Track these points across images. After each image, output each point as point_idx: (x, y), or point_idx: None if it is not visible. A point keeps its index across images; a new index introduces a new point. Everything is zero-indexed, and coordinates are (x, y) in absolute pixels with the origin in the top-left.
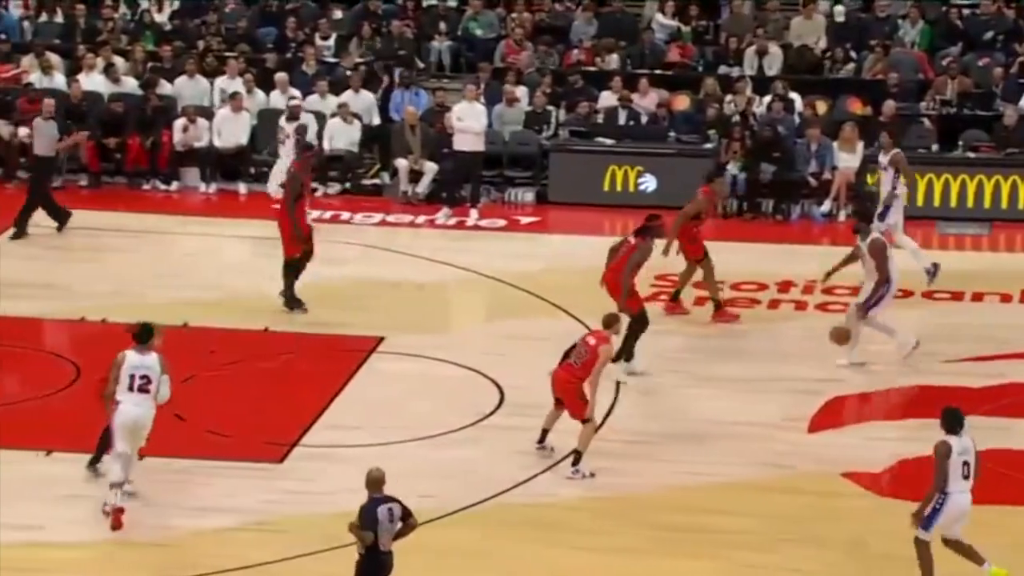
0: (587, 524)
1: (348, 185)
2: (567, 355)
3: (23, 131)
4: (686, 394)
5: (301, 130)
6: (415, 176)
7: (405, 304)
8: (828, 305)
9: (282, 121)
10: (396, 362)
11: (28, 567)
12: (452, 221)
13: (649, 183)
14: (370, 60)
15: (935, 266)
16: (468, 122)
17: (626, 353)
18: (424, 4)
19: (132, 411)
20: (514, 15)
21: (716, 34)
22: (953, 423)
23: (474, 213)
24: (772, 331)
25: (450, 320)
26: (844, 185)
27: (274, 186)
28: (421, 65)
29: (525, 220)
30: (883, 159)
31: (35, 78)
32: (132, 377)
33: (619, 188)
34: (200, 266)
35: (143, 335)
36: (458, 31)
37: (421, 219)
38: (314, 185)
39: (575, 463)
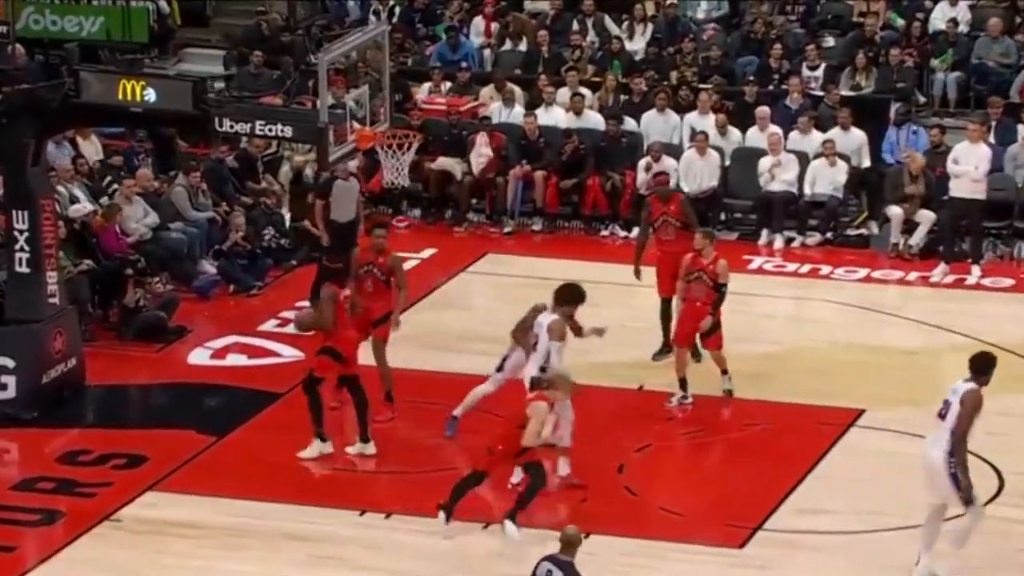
0: None
1: (830, 235)
2: None
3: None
4: None
5: None
6: (908, 226)
7: (890, 372)
8: None
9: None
10: (878, 438)
11: None
12: (950, 279)
13: None
14: (863, 93)
15: None
16: (964, 165)
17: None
18: (931, 30)
19: None
20: None
21: None
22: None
23: (975, 270)
24: None
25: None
26: None
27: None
28: (922, 99)
29: None
30: None
31: (494, 110)
32: None
33: None
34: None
35: None
36: (970, 60)
37: (913, 276)
38: (791, 235)
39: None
